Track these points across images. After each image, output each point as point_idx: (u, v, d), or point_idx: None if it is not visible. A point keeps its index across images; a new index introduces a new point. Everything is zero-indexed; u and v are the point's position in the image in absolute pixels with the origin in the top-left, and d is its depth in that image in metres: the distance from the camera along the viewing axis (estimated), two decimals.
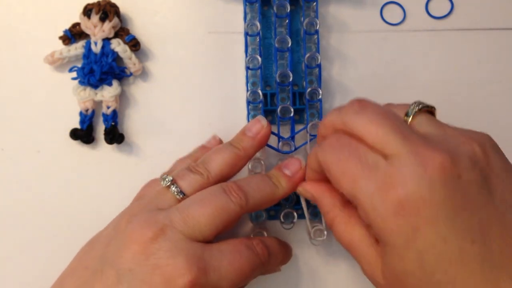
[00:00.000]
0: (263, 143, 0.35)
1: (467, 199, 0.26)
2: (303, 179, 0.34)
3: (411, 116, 0.29)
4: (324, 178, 0.31)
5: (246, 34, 0.38)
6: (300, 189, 0.34)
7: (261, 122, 0.35)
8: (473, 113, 0.40)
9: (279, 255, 0.34)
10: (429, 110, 0.30)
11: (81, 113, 0.38)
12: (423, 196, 0.25)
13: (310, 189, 0.33)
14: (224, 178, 0.33)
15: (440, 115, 0.39)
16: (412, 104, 0.30)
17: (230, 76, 0.39)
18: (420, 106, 0.30)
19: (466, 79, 0.40)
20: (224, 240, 0.31)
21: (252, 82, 0.38)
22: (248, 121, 0.38)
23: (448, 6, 0.40)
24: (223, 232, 0.31)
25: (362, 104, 0.29)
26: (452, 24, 0.40)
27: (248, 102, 0.37)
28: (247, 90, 0.37)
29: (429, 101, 0.39)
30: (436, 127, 0.29)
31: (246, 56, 0.38)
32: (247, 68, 0.37)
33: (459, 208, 0.25)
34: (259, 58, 0.37)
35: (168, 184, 0.32)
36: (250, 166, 0.36)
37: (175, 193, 0.32)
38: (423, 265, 0.26)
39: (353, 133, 0.29)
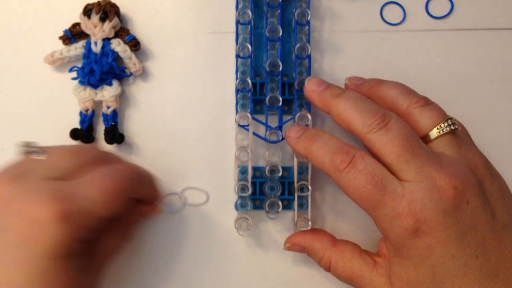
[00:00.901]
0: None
1: (473, 221, 0.29)
2: None
3: (436, 137, 0.32)
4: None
5: (238, 22, 0.37)
6: (288, 245, 0.36)
7: None
8: (473, 113, 0.40)
9: (146, 175, 0.34)
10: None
11: (81, 113, 0.38)
12: (437, 220, 0.29)
13: (297, 241, 0.36)
14: None
15: None
16: (445, 123, 0.32)
17: (230, 76, 0.39)
18: (451, 127, 0.32)
19: (466, 79, 0.40)
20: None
21: (242, 70, 0.38)
22: (237, 110, 0.37)
23: (448, 6, 0.40)
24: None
25: (386, 122, 0.31)
26: (452, 24, 0.40)
27: (237, 91, 0.37)
28: (236, 79, 0.37)
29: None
30: (454, 150, 0.32)
31: (237, 44, 0.37)
32: (237, 56, 0.37)
33: (467, 229, 0.29)
34: (249, 47, 0.37)
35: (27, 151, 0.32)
36: (236, 154, 0.36)
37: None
38: (434, 278, 0.30)
39: (374, 148, 0.31)
